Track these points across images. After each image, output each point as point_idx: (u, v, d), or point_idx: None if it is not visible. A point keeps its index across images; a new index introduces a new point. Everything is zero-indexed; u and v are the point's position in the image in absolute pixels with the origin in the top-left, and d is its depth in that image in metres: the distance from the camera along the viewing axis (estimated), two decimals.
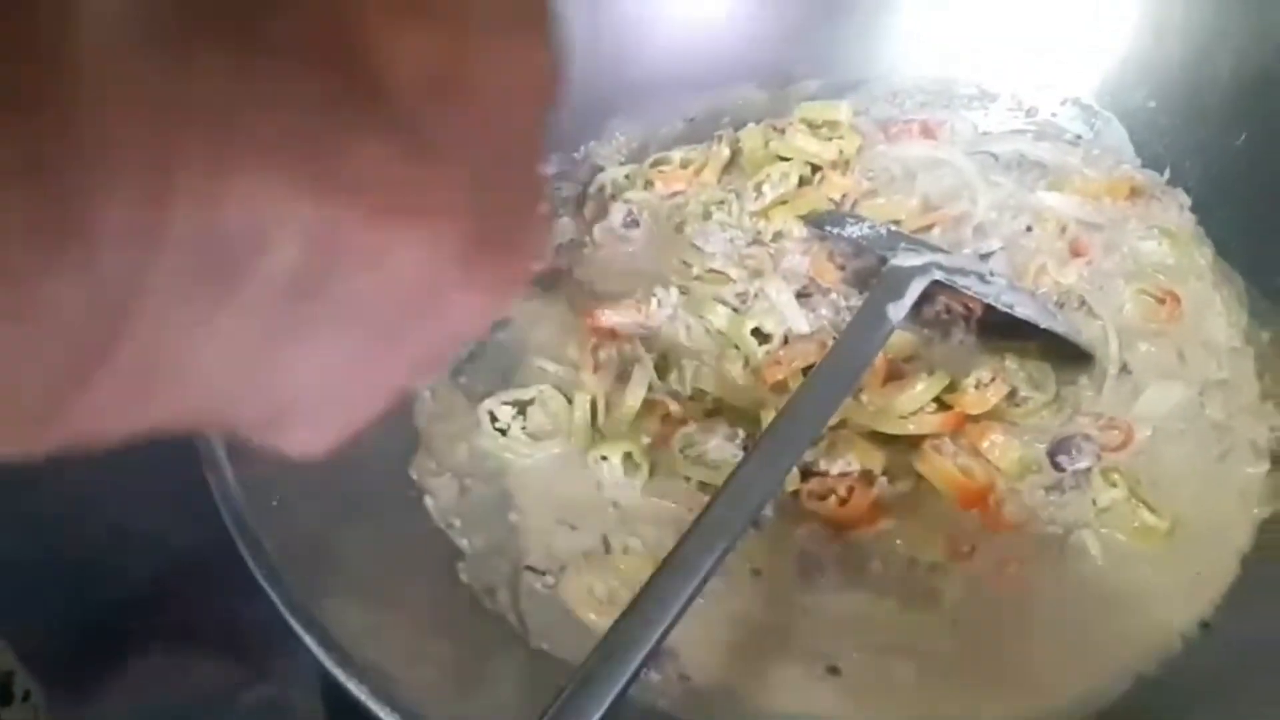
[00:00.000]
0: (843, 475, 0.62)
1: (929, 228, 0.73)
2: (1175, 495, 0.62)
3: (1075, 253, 0.72)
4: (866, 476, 0.62)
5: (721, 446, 0.63)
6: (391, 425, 0.64)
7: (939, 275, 0.61)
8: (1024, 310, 0.63)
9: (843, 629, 0.58)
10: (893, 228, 0.68)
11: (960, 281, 0.62)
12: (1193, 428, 0.65)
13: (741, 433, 0.63)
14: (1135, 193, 0.75)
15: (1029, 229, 0.73)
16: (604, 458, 0.64)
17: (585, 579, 0.60)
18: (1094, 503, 0.62)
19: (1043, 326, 0.64)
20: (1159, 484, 0.63)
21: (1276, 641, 0.56)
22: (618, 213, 0.76)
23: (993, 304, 0.64)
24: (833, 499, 0.61)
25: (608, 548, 0.61)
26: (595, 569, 0.60)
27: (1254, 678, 0.55)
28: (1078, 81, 0.79)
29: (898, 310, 0.59)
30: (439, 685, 0.50)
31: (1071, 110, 0.79)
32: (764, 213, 0.74)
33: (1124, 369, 0.67)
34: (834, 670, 0.56)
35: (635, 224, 0.76)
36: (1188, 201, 0.74)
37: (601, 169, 0.79)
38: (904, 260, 0.61)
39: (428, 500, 0.61)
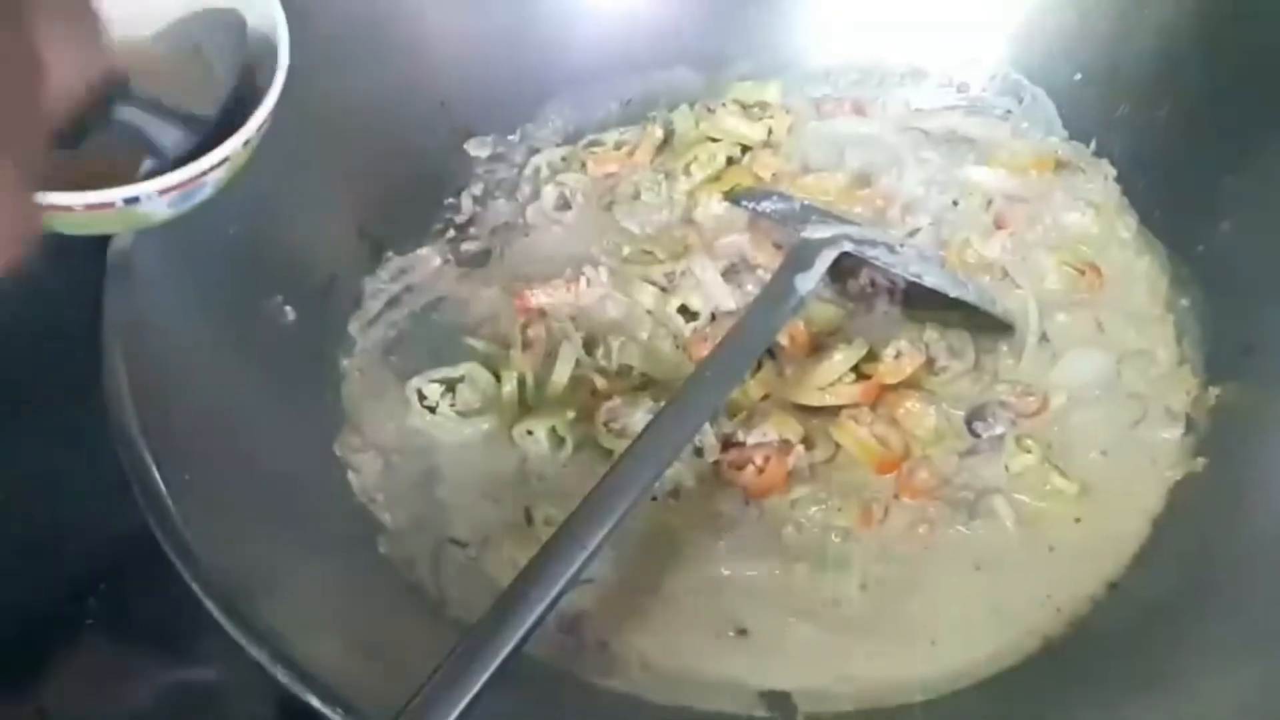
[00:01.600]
0: (760, 445, 0.63)
1: (857, 204, 0.74)
2: (1087, 460, 0.63)
3: (1000, 225, 0.73)
4: (785, 446, 0.63)
5: (645, 420, 0.64)
6: (318, 405, 0.65)
7: (848, 246, 0.62)
8: (932, 280, 0.64)
9: (754, 593, 0.59)
10: (806, 202, 0.69)
11: (869, 253, 0.63)
12: (1108, 395, 0.66)
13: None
14: (1061, 165, 0.76)
15: (955, 203, 0.74)
16: (529, 432, 0.65)
17: (508, 551, 0.61)
18: (1007, 468, 0.63)
19: (952, 295, 0.65)
20: (1072, 449, 0.64)
21: (1182, 600, 0.57)
22: (550, 195, 0.77)
23: (900, 274, 0.65)
24: (750, 468, 0.63)
25: (529, 520, 0.62)
26: (517, 541, 0.61)
27: (1158, 636, 0.56)
28: (1007, 57, 0.79)
29: (806, 281, 0.60)
30: (349, 653, 0.51)
31: (1001, 86, 0.80)
32: (692, 192, 0.75)
33: (1043, 338, 0.68)
34: (743, 632, 0.57)
35: (568, 206, 0.77)
36: (1113, 172, 0.75)
37: (537, 151, 0.79)
38: (813, 233, 0.62)
39: (350, 476, 0.62)
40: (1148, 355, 0.67)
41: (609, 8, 0.80)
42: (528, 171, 0.79)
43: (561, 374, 0.67)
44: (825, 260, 0.61)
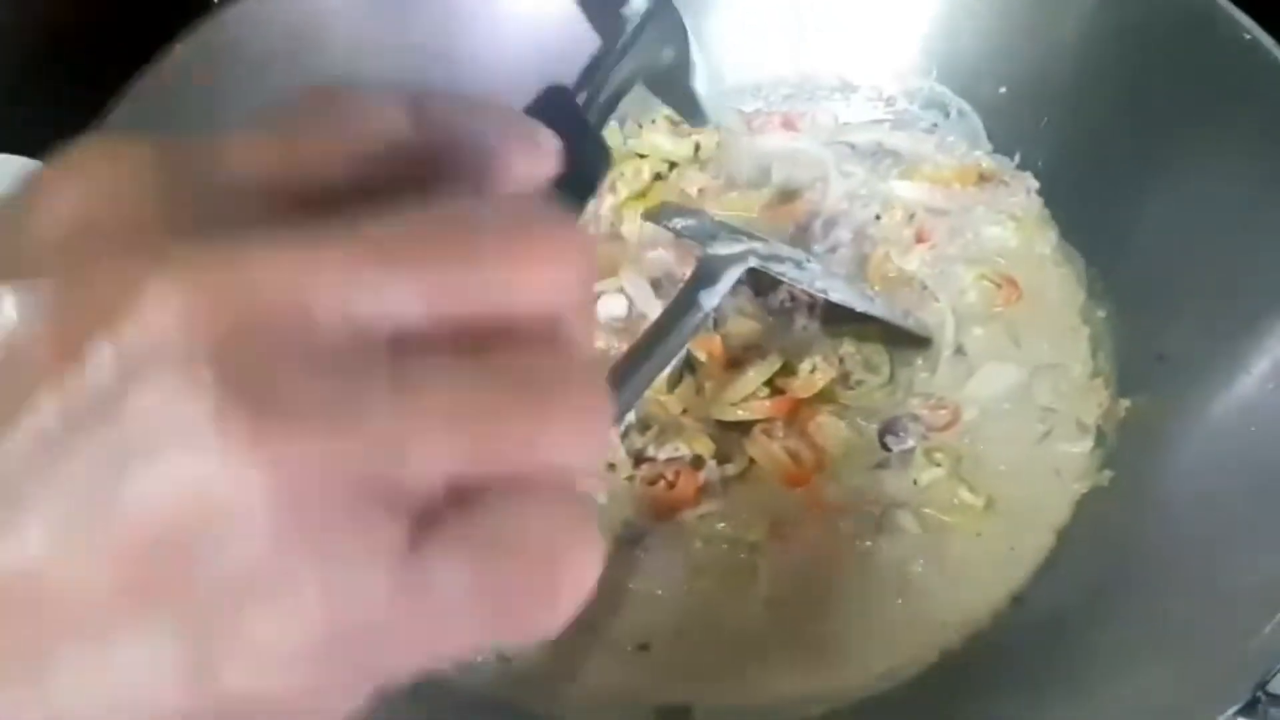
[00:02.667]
0: (671, 460, 0.64)
1: (781, 219, 0.75)
2: (995, 474, 0.64)
3: (920, 239, 0.74)
4: (697, 461, 0.64)
5: None
6: None
7: (754, 262, 0.63)
8: (838, 295, 0.65)
9: (657, 607, 0.60)
10: (717, 219, 0.70)
11: (776, 268, 0.64)
12: (1018, 408, 0.66)
13: None
14: (984, 178, 0.76)
15: (878, 217, 0.75)
16: None
17: None
18: (915, 481, 0.63)
19: (859, 310, 0.66)
20: (981, 463, 0.64)
21: (1085, 609, 0.58)
22: None
23: (807, 290, 0.65)
24: (661, 483, 0.63)
25: None
26: None
27: (1061, 645, 0.57)
28: (934, 71, 0.80)
29: (710, 296, 0.61)
30: None
31: (927, 99, 0.80)
32: (618, 208, 0.76)
33: (959, 351, 0.69)
34: (644, 647, 0.58)
35: None
36: (1035, 185, 0.75)
37: None
38: (721, 249, 0.63)
39: None
40: (1062, 368, 0.68)
41: (544, 23, 0.81)
42: None
43: None
44: (730, 277, 0.62)
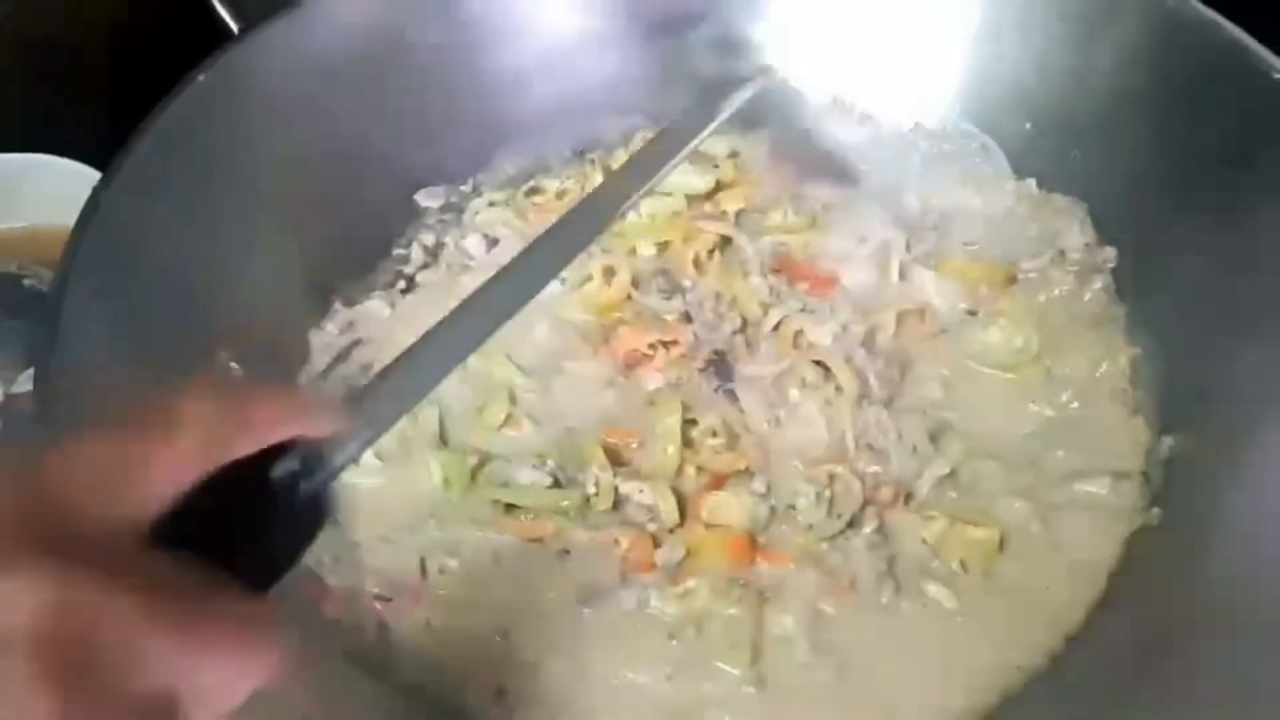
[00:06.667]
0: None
1: None
2: (1009, 511, 0.64)
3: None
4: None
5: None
6: None
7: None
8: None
9: None
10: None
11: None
12: (1059, 447, 0.66)
13: (550, 462, 0.64)
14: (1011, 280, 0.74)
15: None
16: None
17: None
18: (924, 541, 0.62)
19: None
20: (991, 500, 0.64)
21: (1141, 651, 0.57)
22: (473, 242, 0.76)
23: None
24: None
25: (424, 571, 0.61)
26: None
27: (1115, 690, 0.56)
28: (958, 106, 0.80)
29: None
30: None
31: (951, 134, 0.80)
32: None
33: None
34: None
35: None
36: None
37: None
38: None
39: None
40: (1101, 405, 0.67)
41: (560, 56, 0.80)
42: (465, 218, 0.78)
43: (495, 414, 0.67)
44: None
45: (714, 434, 0.65)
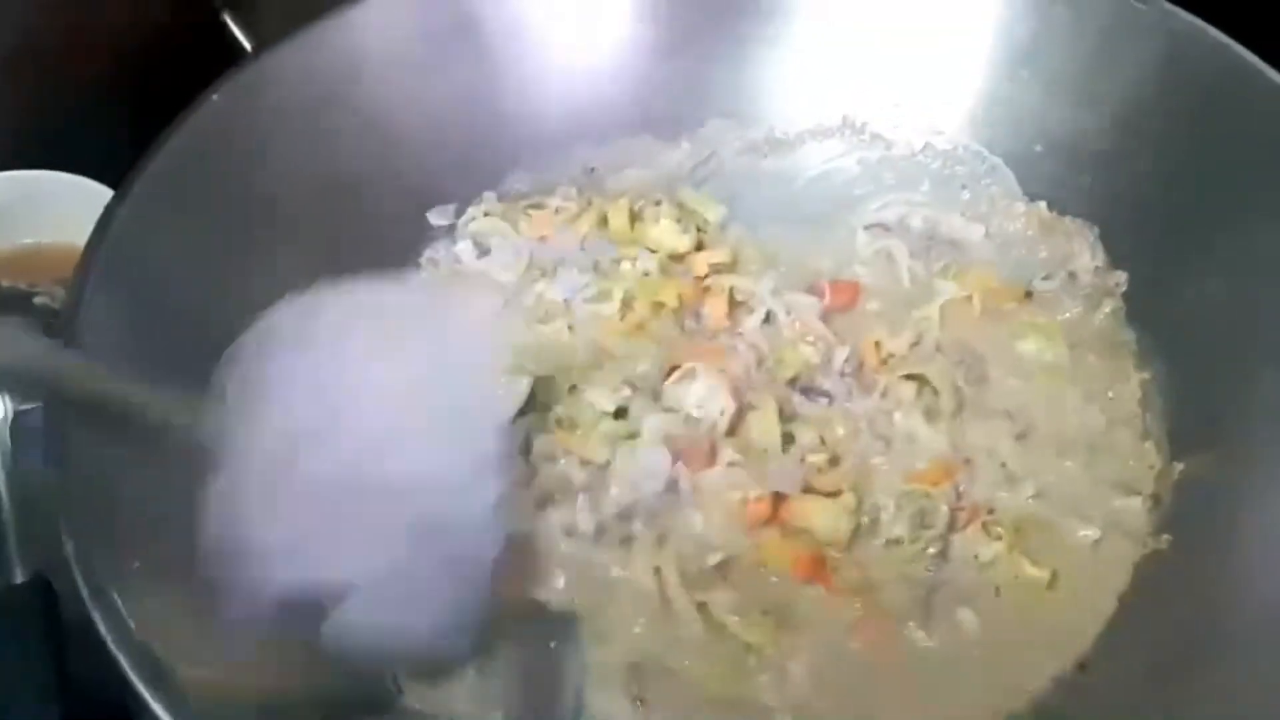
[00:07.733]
0: None
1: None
2: (1054, 541, 0.63)
3: None
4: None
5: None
6: None
7: None
8: None
9: None
10: None
11: None
12: (1073, 473, 0.66)
13: None
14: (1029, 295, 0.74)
15: None
16: None
17: None
18: (976, 557, 0.62)
19: None
20: (1039, 532, 0.63)
21: (1153, 677, 0.57)
22: (465, 249, 0.76)
23: None
24: None
25: None
26: None
27: (1131, 715, 0.56)
28: (967, 129, 0.80)
29: None
30: None
31: (961, 157, 0.80)
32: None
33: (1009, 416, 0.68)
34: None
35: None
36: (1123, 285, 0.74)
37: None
38: None
39: None
40: (1112, 432, 0.67)
41: (571, 75, 0.80)
42: (459, 224, 0.78)
43: None
44: None
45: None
